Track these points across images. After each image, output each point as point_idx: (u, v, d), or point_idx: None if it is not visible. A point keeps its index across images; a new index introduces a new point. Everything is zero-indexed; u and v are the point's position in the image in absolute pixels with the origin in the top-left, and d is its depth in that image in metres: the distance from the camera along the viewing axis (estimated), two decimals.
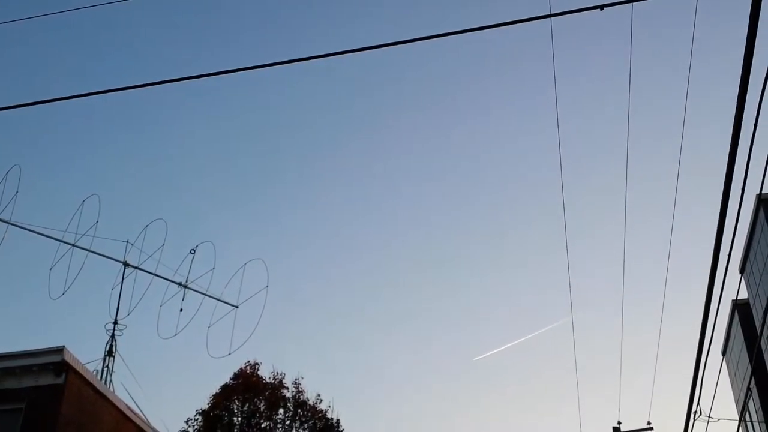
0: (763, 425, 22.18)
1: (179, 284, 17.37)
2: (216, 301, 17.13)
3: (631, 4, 5.72)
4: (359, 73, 60.04)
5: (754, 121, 6.45)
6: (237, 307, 17.09)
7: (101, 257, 17.46)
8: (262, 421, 29.67)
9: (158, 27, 54.21)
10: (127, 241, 17.76)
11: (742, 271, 20.97)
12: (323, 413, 30.32)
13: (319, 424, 30.10)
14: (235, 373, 30.51)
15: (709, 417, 12.46)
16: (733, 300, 23.17)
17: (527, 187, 60.94)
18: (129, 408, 15.72)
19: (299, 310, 55.46)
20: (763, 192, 7.98)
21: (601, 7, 5.69)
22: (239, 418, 29.63)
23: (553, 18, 5.83)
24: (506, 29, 5.93)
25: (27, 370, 13.53)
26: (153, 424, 16.68)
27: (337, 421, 30.30)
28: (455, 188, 59.67)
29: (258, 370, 30.89)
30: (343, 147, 59.50)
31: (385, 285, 61.98)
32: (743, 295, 22.03)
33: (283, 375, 31.07)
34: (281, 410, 30.25)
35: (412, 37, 6.03)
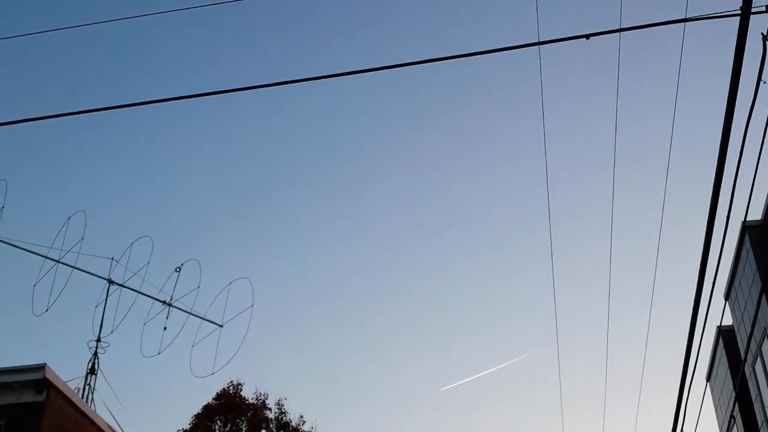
0: None
1: (164, 302, 17.27)
2: (200, 319, 17.05)
3: (618, 33, 5.79)
4: (348, 96, 60.23)
5: (739, 148, 6.51)
6: (221, 326, 17.00)
7: (86, 274, 17.34)
8: None
9: (148, 46, 54.29)
10: (113, 258, 17.65)
11: (727, 297, 21.08)
12: None
13: None
14: (217, 393, 30.29)
15: None
16: (717, 326, 23.23)
17: (509, 211, 61.07)
18: (110, 427, 15.58)
19: (284, 330, 55.20)
20: (748, 219, 8.06)
21: (587, 36, 5.77)
22: None
23: (541, 46, 5.90)
24: (494, 55, 5.98)
25: (7, 387, 13.40)
26: None
27: None
28: (433, 212, 59.70)
29: (241, 390, 30.69)
30: (330, 169, 59.58)
31: (370, 305, 61.86)
32: (729, 321, 22.11)
33: (266, 396, 30.90)
34: (263, 431, 30.06)
35: (399, 62, 6.07)
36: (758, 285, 18.08)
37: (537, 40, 6.08)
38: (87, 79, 51.38)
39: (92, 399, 16.53)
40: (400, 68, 6.17)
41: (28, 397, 13.31)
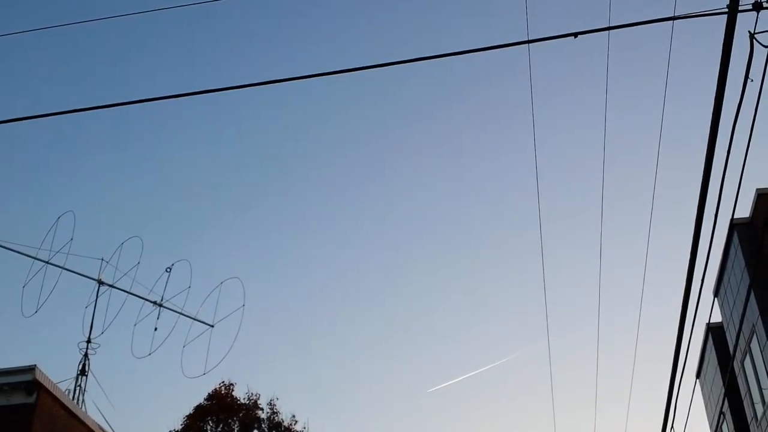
0: None
1: (154, 303, 17.20)
2: (191, 320, 16.99)
3: (607, 31, 5.82)
4: (341, 95, 60.22)
5: (727, 146, 6.55)
6: (212, 326, 16.95)
7: (75, 275, 17.25)
8: None
9: (138, 44, 54.14)
10: (102, 259, 17.57)
11: (716, 294, 21.18)
12: None
13: None
14: (209, 393, 30.23)
15: None
16: (707, 323, 23.35)
17: (498, 209, 61.15)
18: (101, 428, 15.52)
19: (275, 330, 55.15)
20: (736, 216, 8.11)
21: (575, 34, 5.81)
22: None
23: (530, 44, 5.92)
24: (482, 53, 6.00)
25: None
26: None
27: None
28: (422, 211, 59.71)
29: (233, 390, 30.65)
30: (321, 169, 59.54)
31: (360, 306, 61.86)
32: (717, 318, 22.22)
33: (258, 396, 30.87)
34: (255, 431, 30.03)
35: (390, 61, 6.09)
36: (746, 282, 18.19)
37: (526, 39, 6.11)
38: (78, 78, 51.20)
39: (83, 400, 16.47)
40: (392, 66, 6.19)
41: (18, 399, 13.22)
